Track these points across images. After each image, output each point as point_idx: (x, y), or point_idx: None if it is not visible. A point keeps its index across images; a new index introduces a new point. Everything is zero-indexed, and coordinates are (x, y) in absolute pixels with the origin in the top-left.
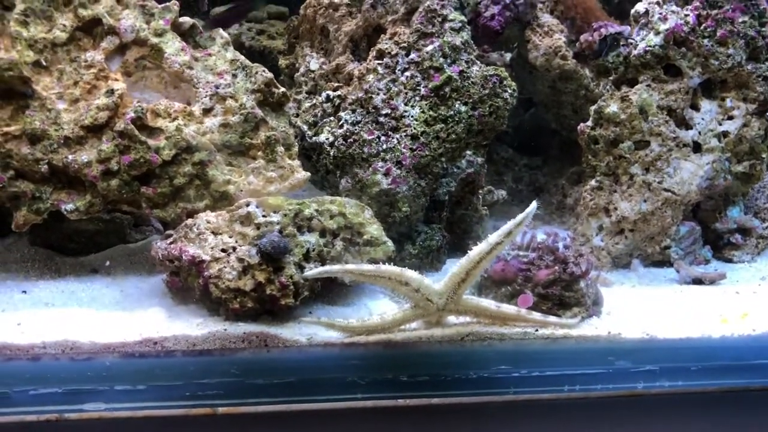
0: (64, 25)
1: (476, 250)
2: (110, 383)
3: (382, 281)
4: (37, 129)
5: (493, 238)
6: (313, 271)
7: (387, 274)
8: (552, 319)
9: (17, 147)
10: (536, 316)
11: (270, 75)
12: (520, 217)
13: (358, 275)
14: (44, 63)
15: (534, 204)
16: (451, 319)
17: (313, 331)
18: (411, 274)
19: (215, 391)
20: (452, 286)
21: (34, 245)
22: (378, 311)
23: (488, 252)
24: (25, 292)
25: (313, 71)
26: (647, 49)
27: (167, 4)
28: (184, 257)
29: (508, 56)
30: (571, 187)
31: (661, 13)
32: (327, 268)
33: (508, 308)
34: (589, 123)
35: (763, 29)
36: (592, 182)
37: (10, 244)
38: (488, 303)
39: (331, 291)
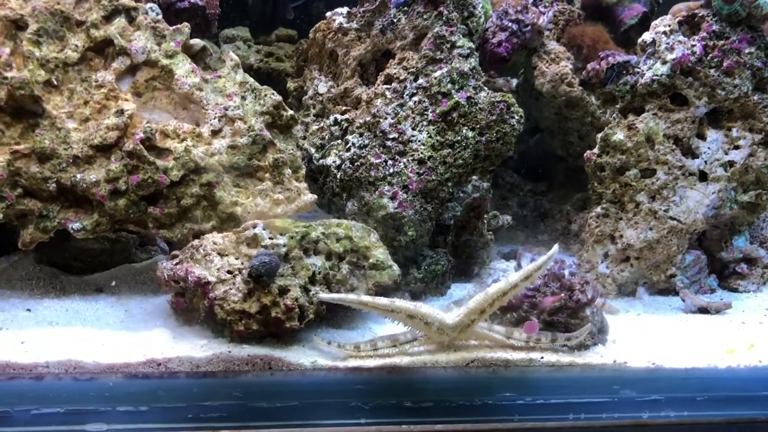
0: (76, 46)
1: (495, 288)
2: (113, 404)
3: (396, 315)
4: (47, 148)
5: (513, 278)
6: (328, 295)
7: (402, 310)
8: (560, 338)
9: (26, 165)
10: (543, 340)
11: (279, 98)
12: (542, 260)
13: (372, 308)
14: (55, 82)
15: (555, 247)
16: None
17: (317, 354)
18: (426, 310)
19: (218, 413)
20: (467, 320)
21: (39, 263)
22: (383, 334)
23: (506, 291)
24: (29, 310)
25: (321, 94)
26: (654, 78)
27: (178, 26)
28: (189, 278)
29: (514, 82)
30: (576, 213)
31: (668, 43)
32: (342, 296)
33: (518, 337)
34: (596, 150)
35: None
36: (598, 209)
37: (15, 261)
38: (499, 332)
39: (336, 314)
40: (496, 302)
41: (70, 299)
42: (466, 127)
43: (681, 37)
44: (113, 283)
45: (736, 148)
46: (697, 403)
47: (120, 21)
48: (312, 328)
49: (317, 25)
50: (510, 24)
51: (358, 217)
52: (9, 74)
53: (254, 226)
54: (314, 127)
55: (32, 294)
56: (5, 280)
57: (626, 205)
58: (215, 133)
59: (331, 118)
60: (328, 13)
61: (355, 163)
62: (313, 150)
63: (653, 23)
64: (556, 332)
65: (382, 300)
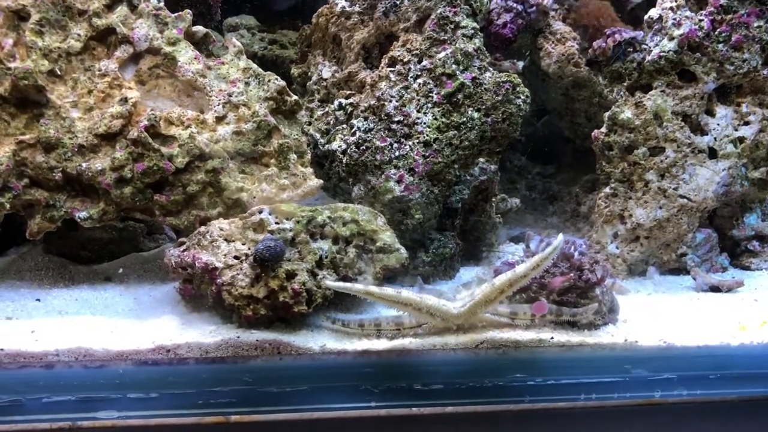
0: (79, 35)
1: (502, 279)
2: (123, 391)
3: (402, 306)
4: (52, 137)
5: (520, 268)
6: (334, 284)
7: (407, 302)
8: (565, 313)
9: (32, 155)
10: (548, 316)
11: (282, 83)
12: (548, 250)
13: (378, 298)
14: (59, 72)
15: (561, 237)
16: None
17: (326, 338)
18: (432, 302)
19: (228, 399)
20: (473, 310)
21: (48, 254)
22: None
23: (513, 282)
24: (39, 300)
25: (325, 79)
26: (661, 54)
27: (180, 13)
28: (197, 264)
29: (520, 64)
30: (585, 195)
31: (675, 19)
32: (349, 285)
33: (523, 317)
34: (603, 129)
35: None
36: (607, 189)
37: (24, 252)
38: (503, 315)
39: (344, 298)
40: (503, 292)
41: (79, 288)
42: (471, 108)
43: (688, 12)
44: (121, 272)
45: (746, 123)
46: (709, 381)
47: (122, 9)
48: (320, 312)
49: (320, 10)
50: (515, 5)
51: (364, 202)
52: (12, 65)
53: (260, 212)
54: (319, 113)
55: (41, 284)
56: (15, 271)
57: (635, 184)
58: (219, 119)
59: (336, 102)
60: None
61: (361, 147)
62: (318, 135)
63: None
64: (561, 308)
65: (389, 290)
